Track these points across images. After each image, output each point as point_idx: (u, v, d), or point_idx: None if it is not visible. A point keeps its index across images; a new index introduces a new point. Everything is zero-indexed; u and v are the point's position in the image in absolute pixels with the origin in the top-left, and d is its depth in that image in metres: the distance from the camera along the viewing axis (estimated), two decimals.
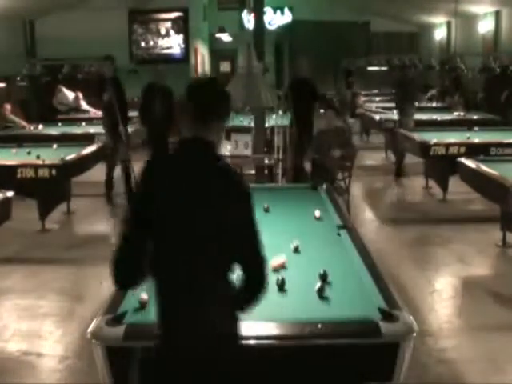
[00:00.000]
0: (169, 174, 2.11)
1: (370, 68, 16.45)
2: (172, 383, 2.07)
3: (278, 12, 18.57)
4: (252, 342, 2.40)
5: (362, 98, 14.53)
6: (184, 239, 2.05)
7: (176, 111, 8.31)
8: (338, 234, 3.77)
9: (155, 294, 2.10)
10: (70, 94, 11.62)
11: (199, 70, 16.62)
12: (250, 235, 2.12)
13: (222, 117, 2.22)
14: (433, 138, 7.99)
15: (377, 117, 11.18)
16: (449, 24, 16.82)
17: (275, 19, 18.50)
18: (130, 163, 7.85)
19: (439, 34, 17.88)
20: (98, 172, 8.74)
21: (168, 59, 14.45)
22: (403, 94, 9.73)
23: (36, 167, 6.56)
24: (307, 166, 6.96)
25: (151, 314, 2.59)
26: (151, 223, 2.07)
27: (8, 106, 9.86)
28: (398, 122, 9.82)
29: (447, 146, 7.74)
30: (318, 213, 4.18)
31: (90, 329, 2.47)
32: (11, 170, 6.56)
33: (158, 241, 2.08)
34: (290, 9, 18.83)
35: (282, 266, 3.17)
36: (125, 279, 2.13)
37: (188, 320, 2.05)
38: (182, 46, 14.55)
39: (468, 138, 8.22)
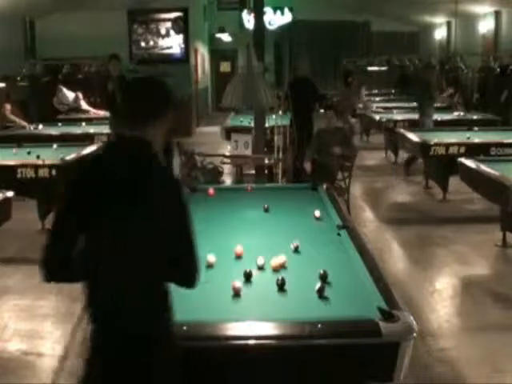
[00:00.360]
0: (101, 174, 2.12)
1: (370, 68, 16.46)
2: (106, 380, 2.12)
3: (278, 12, 18.56)
4: (252, 341, 2.40)
5: (363, 99, 14.47)
6: (116, 238, 2.07)
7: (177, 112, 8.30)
8: (338, 234, 3.77)
9: (89, 289, 2.14)
10: (70, 94, 11.62)
11: (199, 69, 16.62)
12: (183, 236, 2.13)
13: (159, 117, 2.20)
14: (433, 138, 7.99)
15: (377, 117, 11.18)
16: (449, 24, 16.83)
17: (275, 19, 18.49)
18: None
19: (439, 34, 17.89)
20: None
21: (168, 59, 14.45)
22: (423, 94, 9.75)
23: (36, 167, 6.56)
24: (307, 165, 6.95)
25: None
26: (84, 221, 2.08)
27: (8, 106, 9.86)
28: (418, 123, 9.83)
29: (447, 145, 7.74)
30: (317, 213, 4.17)
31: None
32: (11, 169, 6.57)
33: (91, 240, 2.09)
34: (290, 9, 18.80)
35: (282, 266, 3.17)
36: (53, 275, 2.17)
37: (121, 318, 2.09)
38: (182, 45, 14.55)
39: (468, 138, 8.22)
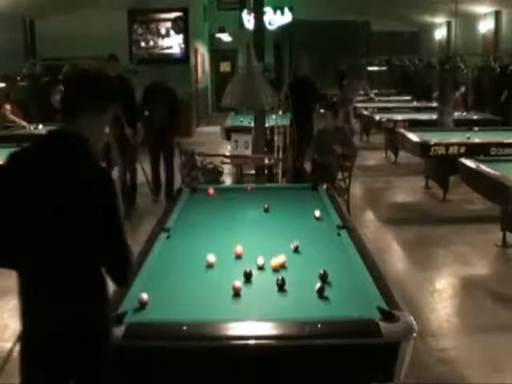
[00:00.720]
0: (27, 167, 2.10)
1: (370, 68, 16.45)
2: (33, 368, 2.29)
3: (278, 12, 18.57)
4: (252, 341, 2.40)
5: (358, 105, 14.19)
6: (41, 231, 2.08)
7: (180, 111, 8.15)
8: (338, 234, 3.77)
9: (17, 283, 2.20)
10: None
11: (199, 69, 16.62)
12: (107, 236, 2.10)
13: (95, 111, 2.17)
14: (433, 138, 7.99)
15: (377, 117, 11.18)
16: (449, 24, 16.83)
17: (275, 19, 18.50)
18: (133, 165, 7.76)
19: (439, 34, 17.89)
20: None
21: (168, 59, 14.44)
22: (443, 94, 9.76)
23: None
24: (307, 165, 6.95)
25: (151, 314, 2.60)
26: (6, 215, 2.09)
27: (8, 106, 9.85)
28: (437, 122, 9.85)
29: (447, 145, 7.74)
30: (317, 213, 4.17)
31: None
32: None
33: (15, 233, 2.10)
34: (290, 9, 18.81)
35: (282, 266, 3.17)
36: None
37: (45, 309, 2.16)
38: (182, 45, 14.54)
39: (468, 138, 8.22)
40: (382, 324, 2.43)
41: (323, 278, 2.94)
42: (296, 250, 3.45)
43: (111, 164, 9.29)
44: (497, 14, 13.69)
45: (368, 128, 13.05)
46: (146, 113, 8.08)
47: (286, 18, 18.80)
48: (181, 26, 14.43)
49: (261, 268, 3.16)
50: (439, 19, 17.30)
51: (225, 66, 21.21)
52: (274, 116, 7.69)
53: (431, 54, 16.11)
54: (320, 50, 16.73)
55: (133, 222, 7.16)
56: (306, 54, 9.39)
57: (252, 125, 7.95)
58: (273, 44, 18.65)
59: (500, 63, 11.88)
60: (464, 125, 9.33)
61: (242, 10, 16.35)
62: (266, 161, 7.09)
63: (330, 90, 13.42)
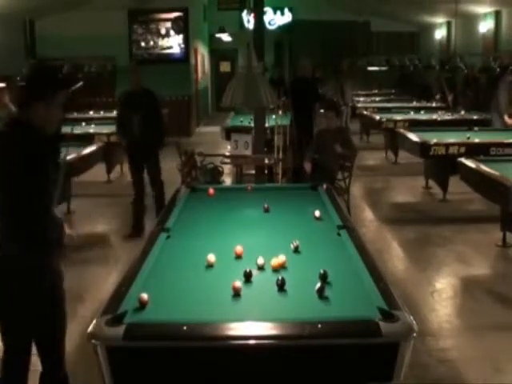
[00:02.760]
0: None
1: (370, 68, 16.45)
2: None
3: (278, 12, 18.59)
4: (252, 341, 2.40)
5: (358, 105, 14.10)
6: None
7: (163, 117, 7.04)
8: (338, 234, 3.77)
9: None
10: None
11: (199, 69, 16.62)
12: (5, 186, 2.70)
13: (36, 99, 2.76)
14: (433, 138, 7.99)
15: (377, 117, 11.18)
16: (449, 24, 16.82)
17: (275, 19, 18.51)
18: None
19: (439, 34, 17.89)
20: (98, 172, 8.75)
21: (168, 59, 14.46)
22: (493, 93, 9.80)
23: None
24: (307, 166, 6.96)
25: (151, 314, 2.60)
26: None
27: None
28: (490, 122, 9.92)
29: (447, 145, 7.74)
30: (317, 213, 4.17)
31: (89, 329, 2.47)
32: None
33: None
34: (290, 9, 18.84)
35: (282, 266, 3.17)
36: None
37: None
38: (182, 45, 14.55)
39: (468, 138, 8.22)
40: (381, 324, 2.43)
41: (323, 278, 2.94)
42: (296, 250, 3.45)
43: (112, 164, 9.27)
44: (497, 14, 13.68)
45: (368, 128, 13.05)
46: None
47: (286, 17, 18.84)
48: (181, 26, 14.43)
49: (261, 268, 3.16)
50: (439, 19, 17.29)
51: (225, 66, 21.22)
52: (274, 116, 7.70)
53: (431, 54, 16.10)
54: (320, 50, 16.73)
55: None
56: (307, 55, 9.43)
57: (252, 125, 7.96)
58: (273, 44, 18.69)
59: (500, 63, 11.88)
60: (464, 125, 9.34)
61: (242, 10, 16.36)
62: (266, 161, 7.09)
63: (329, 90, 13.40)
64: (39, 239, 2.75)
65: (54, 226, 2.84)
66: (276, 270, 3.13)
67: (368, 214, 7.65)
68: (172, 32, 14.48)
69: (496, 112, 9.65)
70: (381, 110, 12.34)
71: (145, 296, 2.69)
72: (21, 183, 2.66)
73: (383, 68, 16.31)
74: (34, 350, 3.01)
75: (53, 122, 2.85)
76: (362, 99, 15.28)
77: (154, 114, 6.63)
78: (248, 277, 2.99)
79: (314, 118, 8.96)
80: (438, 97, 13.78)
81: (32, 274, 2.78)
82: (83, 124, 10.39)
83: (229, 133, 8.42)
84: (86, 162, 7.37)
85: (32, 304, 2.81)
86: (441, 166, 7.91)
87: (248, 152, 6.84)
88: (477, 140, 8.09)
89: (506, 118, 9.18)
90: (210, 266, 3.22)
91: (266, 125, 7.79)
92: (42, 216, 2.73)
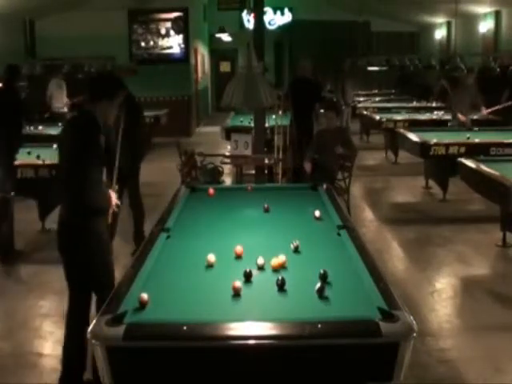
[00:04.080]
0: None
1: (370, 68, 16.45)
2: None
3: (278, 12, 18.58)
4: (252, 341, 2.40)
5: (359, 105, 14.03)
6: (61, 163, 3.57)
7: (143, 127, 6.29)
8: (338, 234, 3.77)
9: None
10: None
11: (199, 69, 16.62)
12: (71, 161, 3.40)
13: (101, 98, 3.47)
14: (433, 138, 7.99)
15: (377, 117, 11.19)
16: (449, 24, 16.83)
17: (275, 19, 18.51)
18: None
19: (439, 34, 17.88)
20: None
21: (168, 59, 14.46)
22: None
23: (36, 167, 6.56)
24: (307, 166, 6.96)
25: (151, 314, 2.60)
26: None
27: None
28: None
29: (447, 145, 7.74)
30: (317, 213, 4.17)
31: (89, 329, 2.47)
32: None
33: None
34: (290, 9, 18.83)
35: (282, 266, 3.17)
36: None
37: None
38: (182, 45, 14.55)
39: (468, 138, 8.21)
40: (381, 324, 2.43)
41: (323, 278, 2.94)
42: (296, 250, 3.45)
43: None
44: (497, 14, 13.68)
45: (368, 128, 13.05)
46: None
47: (286, 17, 18.83)
48: (181, 26, 14.43)
49: (261, 268, 3.16)
50: (439, 19, 17.29)
51: (225, 66, 21.22)
52: (274, 116, 7.69)
53: (431, 54, 16.10)
54: (320, 50, 16.72)
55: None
56: (308, 55, 9.42)
57: (252, 125, 7.96)
58: (273, 44, 18.68)
59: (500, 63, 11.88)
60: (464, 125, 9.33)
61: (242, 10, 16.36)
62: (266, 161, 7.09)
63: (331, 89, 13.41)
64: (93, 205, 3.39)
65: (103, 195, 3.51)
66: (276, 269, 3.13)
67: (368, 214, 7.65)
68: (172, 32, 14.48)
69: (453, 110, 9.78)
70: (381, 110, 12.34)
71: (145, 296, 2.69)
72: (82, 157, 3.31)
73: (383, 68, 16.30)
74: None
75: (111, 117, 3.55)
76: (362, 99, 15.27)
77: (132, 128, 5.40)
78: (248, 277, 2.99)
79: (314, 119, 8.95)
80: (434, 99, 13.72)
81: (86, 235, 3.43)
82: None
83: (229, 133, 8.42)
84: None
85: (91, 255, 3.44)
86: (441, 166, 7.91)
87: (248, 152, 6.84)
88: (477, 140, 8.08)
89: (460, 115, 9.29)
90: (210, 265, 3.22)
91: (266, 125, 7.79)
92: (94, 185, 3.35)
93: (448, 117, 10.67)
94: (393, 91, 17.34)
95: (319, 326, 2.43)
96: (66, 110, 11.29)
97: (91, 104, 3.47)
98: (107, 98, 3.47)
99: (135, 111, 5.79)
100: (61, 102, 11.41)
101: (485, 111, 9.53)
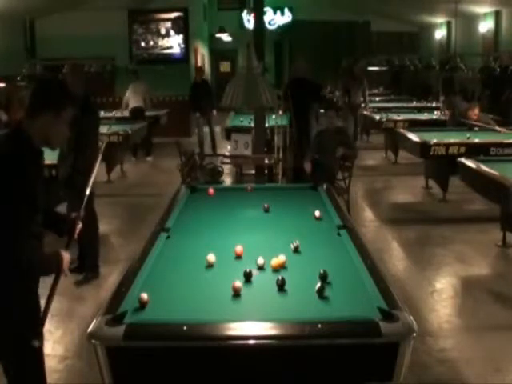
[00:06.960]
0: None
1: (370, 68, 16.46)
2: None
3: (278, 12, 18.61)
4: (252, 341, 2.40)
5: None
6: None
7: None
8: (338, 234, 3.77)
9: None
10: None
11: None
12: None
13: (36, 112, 2.59)
14: (433, 138, 7.99)
15: (377, 117, 11.19)
16: (449, 24, 16.83)
17: (275, 19, 18.53)
18: None
19: (439, 34, 17.89)
20: (98, 172, 8.72)
21: (168, 59, 14.46)
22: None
23: None
24: (307, 165, 6.96)
25: (151, 314, 2.60)
26: None
27: None
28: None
29: (447, 145, 7.74)
30: (317, 213, 4.17)
31: (89, 329, 2.47)
32: None
33: None
34: (290, 9, 18.85)
35: (282, 266, 3.17)
36: None
37: None
38: (182, 45, 14.55)
39: (468, 138, 8.21)
40: (381, 324, 2.43)
41: (323, 277, 2.94)
42: (296, 250, 3.45)
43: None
44: (497, 14, 13.68)
45: (368, 128, 13.05)
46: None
47: (286, 18, 18.86)
48: (181, 26, 14.44)
49: (261, 268, 3.15)
50: (439, 19, 17.29)
51: (225, 66, 21.23)
52: (273, 116, 7.70)
53: (431, 54, 16.11)
54: (320, 50, 16.73)
55: (133, 222, 7.17)
56: (301, 55, 9.42)
57: (252, 125, 7.96)
58: (273, 44, 18.69)
59: (500, 63, 11.88)
60: (464, 125, 9.33)
61: (242, 10, 16.38)
62: (266, 161, 7.09)
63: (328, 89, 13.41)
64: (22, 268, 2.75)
65: (39, 254, 2.85)
66: (276, 270, 3.12)
67: (368, 214, 7.65)
68: (172, 32, 14.48)
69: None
70: (381, 110, 12.34)
71: (145, 296, 2.69)
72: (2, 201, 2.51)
73: (383, 68, 16.31)
74: None
75: (59, 136, 2.71)
76: (361, 99, 15.25)
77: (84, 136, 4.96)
78: (248, 277, 2.99)
79: (312, 119, 8.95)
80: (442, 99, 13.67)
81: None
82: None
83: (229, 133, 8.42)
84: None
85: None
86: (441, 165, 7.91)
87: (248, 152, 6.84)
88: (477, 140, 8.08)
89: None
90: (209, 265, 3.22)
91: (266, 125, 7.79)
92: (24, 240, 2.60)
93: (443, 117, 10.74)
94: (387, 91, 17.32)
95: (319, 326, 2.43)
96: None
97: (29, 120, 2.59)
98: (52, 110, 2.58)
99: (92, 114, 5.38)
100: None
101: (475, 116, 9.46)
